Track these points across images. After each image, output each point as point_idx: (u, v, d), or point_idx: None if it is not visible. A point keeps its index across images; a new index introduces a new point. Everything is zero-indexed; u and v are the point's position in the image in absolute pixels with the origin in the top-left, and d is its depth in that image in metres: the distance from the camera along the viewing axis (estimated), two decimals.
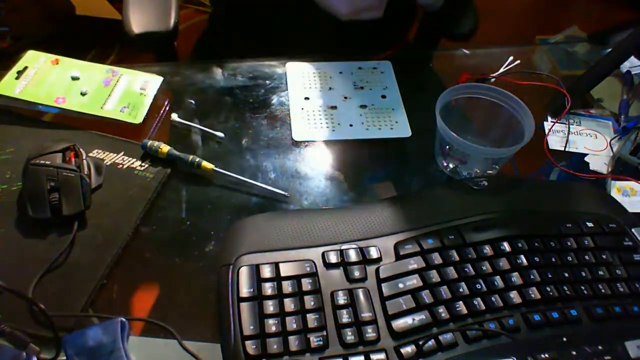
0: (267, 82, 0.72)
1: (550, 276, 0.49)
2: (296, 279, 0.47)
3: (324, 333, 0.44)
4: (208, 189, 0.59)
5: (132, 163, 0.60)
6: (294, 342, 0.43)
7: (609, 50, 0.73)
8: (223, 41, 0.93)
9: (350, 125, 0.67)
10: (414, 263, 0.49)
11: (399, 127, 0.67)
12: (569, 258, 0.51)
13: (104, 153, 0.60)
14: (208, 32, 0.98)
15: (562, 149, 0.67)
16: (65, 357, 0.43)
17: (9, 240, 0.51)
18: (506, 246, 0.51)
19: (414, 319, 0.45)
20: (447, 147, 0.59)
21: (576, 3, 2.13)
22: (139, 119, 0.64)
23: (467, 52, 0.79)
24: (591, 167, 0.66)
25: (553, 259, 0.51)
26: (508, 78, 0.74)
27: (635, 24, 0.74)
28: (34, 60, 0.68)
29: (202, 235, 0.54)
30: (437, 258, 0.49)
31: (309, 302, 0.45)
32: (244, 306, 0.45)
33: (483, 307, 0.47)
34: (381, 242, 0.50)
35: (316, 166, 0.63)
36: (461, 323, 0.46)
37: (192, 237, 0.54)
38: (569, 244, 0.52)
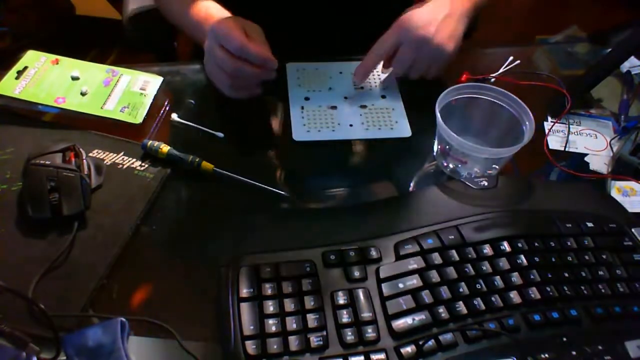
0: (267, 81, 0.72)
1: (550, 276, 0.49)
2: (296, 279, 0.47)
3: (324, 333, 0.44)
4: (208, 189, 0.59)
5: (132, 163, 0.60)
6: (294, 342, 0.43)
7: (609, 50, 0.73)
8: None
9: (350, 125, 0.67)
10: (414, 263, 0.49)
11: (399, 127, 0.67)
12: (569, 258, 0.51)
13: (104, 153, 0.60)
14: None
15: (562, 149, 0.67)
16: (65, 357, 0.43)
17: (9, 240, 0.51)
18: (506, 246, 0.51)
19: (414, 319, 0.45)
20: (447, 147, 0.59)
21: (576, 3, 2.13)
22: (139, 119, 0.64)
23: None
24: (591, 167, 0.65)
25: (553, 259, 0.51)
26: (508, 78, 0.74)
27: (635, 24, 0.74)
28: (34, 60, 0.68)
29: (202, 235, 0.54)
30: (437, 258, 0.49)
31: (309, 302, 0.45)
32: (244, 306, 0.45)
33: (483, 307, 0.47)
34: (381, 242, 0.50)
35: (316, 166, 0.63)
36: (461, 323, 0.46)
37: (192, 237, 0.54)
38: (569, 244, 0.52)
